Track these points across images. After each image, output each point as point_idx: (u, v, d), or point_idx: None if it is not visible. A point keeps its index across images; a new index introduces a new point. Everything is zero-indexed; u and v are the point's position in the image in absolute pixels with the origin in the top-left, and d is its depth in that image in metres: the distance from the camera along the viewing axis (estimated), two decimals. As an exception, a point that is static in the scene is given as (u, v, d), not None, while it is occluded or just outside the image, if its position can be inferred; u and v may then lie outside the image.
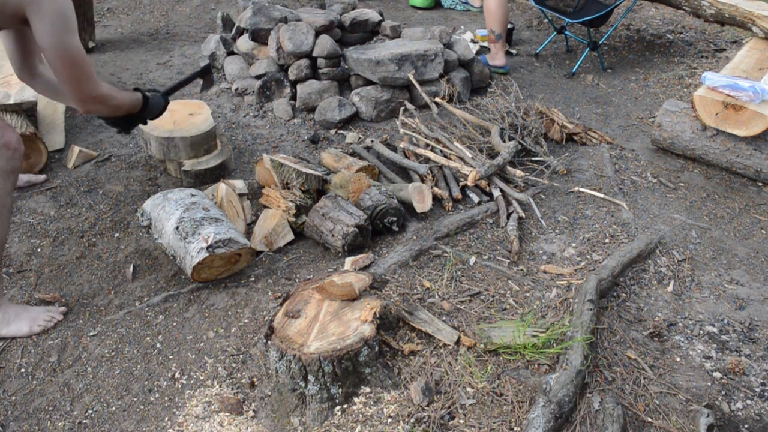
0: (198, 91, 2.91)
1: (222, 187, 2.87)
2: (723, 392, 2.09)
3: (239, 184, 2.96)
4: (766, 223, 3.02)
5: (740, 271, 2.69)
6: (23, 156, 2.25)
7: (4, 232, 2.22)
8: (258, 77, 3.99)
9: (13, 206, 2.31)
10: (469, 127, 3.58)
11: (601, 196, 3.13)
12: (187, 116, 3.19)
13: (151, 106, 2.51)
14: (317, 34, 3.87)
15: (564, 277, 2.58)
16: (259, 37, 4.04)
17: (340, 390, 1.95)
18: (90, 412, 2.05)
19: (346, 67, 3.92)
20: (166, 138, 3.03)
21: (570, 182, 3.28)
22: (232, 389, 2.09)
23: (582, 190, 3.18)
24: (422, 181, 3.11)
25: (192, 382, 2.14)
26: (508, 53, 5.08)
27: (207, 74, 2.94)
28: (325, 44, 3.80)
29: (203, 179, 3.12)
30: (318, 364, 1.89)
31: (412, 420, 1.89)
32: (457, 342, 2.17)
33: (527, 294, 2.49)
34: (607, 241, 2.82)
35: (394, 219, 2.79)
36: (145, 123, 2.58)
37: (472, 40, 5.13)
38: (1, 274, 2.27)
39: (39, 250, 2.72)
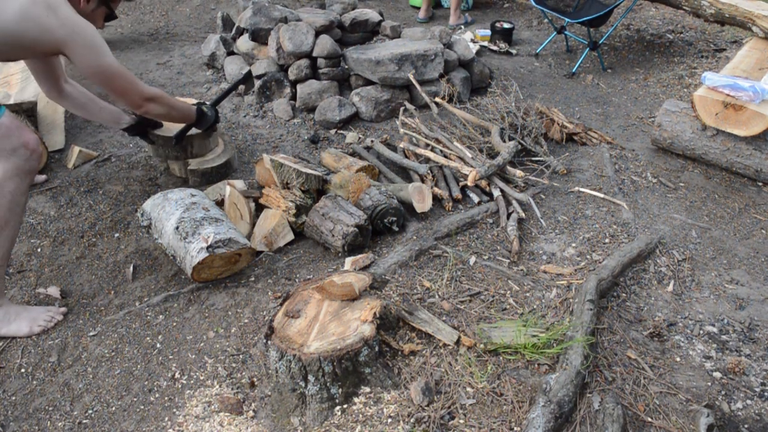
0: (242, 93, 3.23)
1: (227, 189, 2.87)
2: (723, 392, 2.09)
3: (239, 184, 2.96)
4: (766, 223, 3.02)
5: (740, 271, 2.69)
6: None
7: (15, 231, 2.25)
8: (258, 77, 3.99)
9: (26, 207, 2.38)
10: (469, 127, 3.58)
11: (601, 196, 3.13)
12: None
13: (207, 117, 2.85)
14: (317, 34, 3.87)
15: (564, 277, 2.58)
16: (259, 37, 4.04)
17: (340, 390, 1.95)
18: (90, 412, 2.05)
19: (346, 67, 3.92)
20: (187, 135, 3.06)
21: (570, 182, 3.28)
22: (232, 389, 2.09)
23: (582, 190, 3.18)
24: (422, 181, 3.11)
25: (192, 382, 2.14)
26: (507, 53, 5.09)
27: (249, 79, 3.31)
28: (325, 44, 3.80)
29: (209, 178, 3.13)
30: (318, 364, 1.89)
31: (412, 420, 1.89)
32: (457, 342, 2.17)
33: (527, 294, 2.49)
34: (607, 241, 2.82)
35: (394, 219, 2.79)
36: (200, 130, 2.93)
37: (472, 40, 5.13)
38: (3, 273, 2.27)
39: (39, 250, 2.72)
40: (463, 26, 5.67)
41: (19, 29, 2.09)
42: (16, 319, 2.30)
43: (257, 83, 3.90)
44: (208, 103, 2.94)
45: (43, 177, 3.13)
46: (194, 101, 2.95)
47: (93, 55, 2.22)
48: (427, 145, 3.37)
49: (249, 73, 3.28)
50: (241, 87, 3.34)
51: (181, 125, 2.88)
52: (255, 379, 2.12)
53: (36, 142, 2.23)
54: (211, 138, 3.17)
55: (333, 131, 3.75)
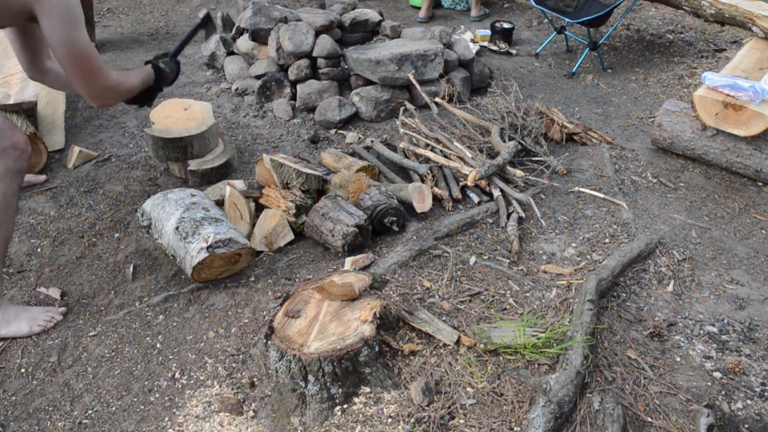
0: (204, 39, 2.87)
1: (227, 189, 2.87)
2: (723, 392, 2.09)
3: (239, 184, 2.96)
4: (766, 223, 3.02)
5: (740, 271, 2.69)
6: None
7: (9, 232, 2.23)
8: (258, 77, 3.99)
9: (18, 208, 2.33)
10: (469, 127, 3.58)
11: (601, 196, 3.13)
12: (183, 111, 3.21)
13: (166, 74, 2.51)
14: (317, 34, 3.87)
15: (564, 277, 2.58)
16: (259, 37, 4.04)
17: (340, 390, 1.95)
18: (90, 412, 2.05)
19: (346, 67, 3.92)
20: (205, 131, 3.09)
21: (570, 182, 3.28)
22: (232, 389, 2.09)
23: (582, 190, 3.18)
24: (422, 181, 3.11)
25: (192, 382, 2.14)
26: (507, 53, 5.08)
27: (209, 23, 2.89)
28: (325, 44, 3.80)
29: (209, 178, 3.13)
30: (318, 364, 1.89)
31: (412, 420, 1.89)
32: (457, 342, 2.17)
33: (527, 294, 2.49)
34: (607, 241, 2.82)
35: (394, 219, 2.79)
36: (161, 90, 2.56)
37: (472, 40, 5.13)
38: (1, 274, 2.27)
39: (39, 250, 2.72)
40: (485, 17, 5.92)
41: None
42: (15, 320, 2.29)
43: (257, 83, 3.90)
44: (167, 51, 2.65)
45: (43, 177, 3.13)
46: (157, 55, 2.62)
47: (66, 23, 1.96)
48: (427, 145, 3.37)
49: (207, 15, 2.87)
50: (202, 32, 2.78)
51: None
52: (255, 379, 2.12)
53: (25, 143, 2.20)
54: (211, 137, 3.17)
55: (333, 131, 3.75)
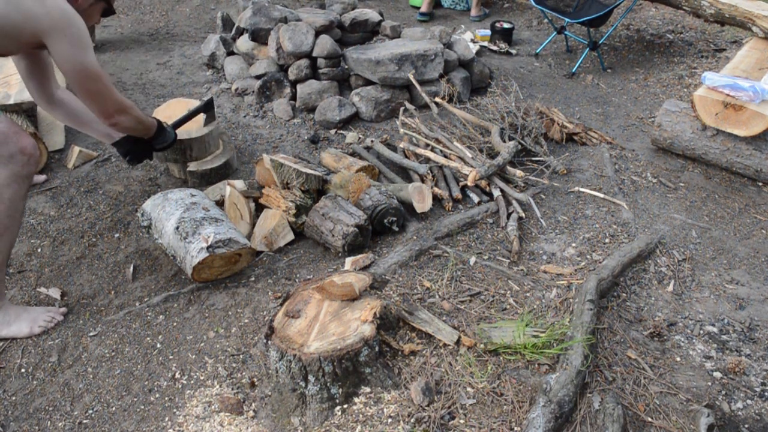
0: (203, 125, 3.07)
1: (227, 189, 2.87)
2: (723, 392, 2.09)
3: (239, 184, 2.96)
4: (766, 223, 3.02)
5: (740, 271, 2.69)
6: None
7: (14, 236, 2.23)
8: (258, 77, 3.99)
9: (25, 211, 2.33)
10: (469, 127, 3.58)
11: (601, 196, 3.13)
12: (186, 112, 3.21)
13: (165, 134, 2.63)
14: (317, 34, 3.87)
15: (564, 277, 2.58)
16: (259, 37, 4.04)
17: (340, 390, 1.95)
18: (90, 412, 2.05)
19: (346, 67, 3.92)
20: (205, 134, 3.10)
21: (570, 182, 3.28)
22: (233, 389, 2.09)
23: (582, 190, 3.18)
24: (422, 181, 3.11)
25: (192, 382, 2.14)
26: (507, 53, 5.09)
27: (210, 109, 3.05)
28: (325, 44, 3.80)
29: (208, 179, 3.12)
30: (318, 364, 1.89)
31: (412, 420, 1.89)
32: (457, 342, 2.17)
33: (527, 294, 2.49)
34: (607, 241, 2.82)
35: (394, 219, 2.79)
36: (151, 156, 2.68)
37: (472, 40, 5.13)
38: (3, 275, 2.27)
39: (39, 250, 2.72)
40: (485, 17, 5.93)
41: (1, 13, 1.98)
42: (16, 320, 2.30)
43: (257, 83, 3.90)
44: (169, 123, 2.77)
45: (43, 177, 3.13)
46: (160, 119, 2.73)
47: (75, 50, 2.06)
48: (427, 145, 3.37)
49: (210, 101, 3.02)
50: (205, 118, 3.00)
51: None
52: (255, 379, 2.12)
53: (33, 147, 2.20)
54: (212, 141, 3.16)
55: (333, 131, 3.75)
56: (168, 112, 3.22)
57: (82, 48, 2.09)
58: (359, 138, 3.64)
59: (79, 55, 2.09)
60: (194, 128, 3.12)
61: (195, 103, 3.29)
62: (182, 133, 3.07)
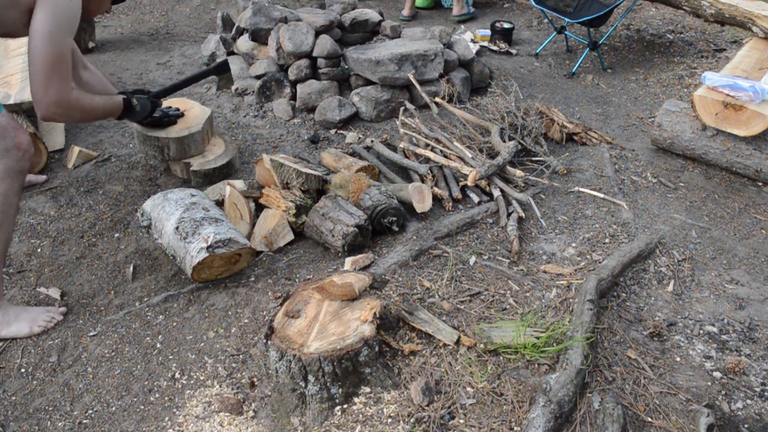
0: (216, 90, 2.91)
1: (227, 189, 2.86)
2: (723, 392, 2.09)
3: (239, 184, 2.96)
4: (766, 223, 3.02)
5: (740, 271, 2.69)
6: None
7: (9, 232, 2.23)
8: (258, 77, 3.99)
9: (19, 207, 2.34)
10: (469, 127, 3.58)
11: (601, 196, 3.13)
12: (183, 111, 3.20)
13: (135, 111, 2.52)
14: (317, 34, 3.87)
15: (564, 277, 2.58)
16: (259, 37, 4.04)
17: (340, 390, 1.95)
18: (90, 412, 2.05)
19: (346, 67, 3.92)
20: (185, 136, 3.07)
21: (570, 182, 3.28)
22: (232, 389, 2.09)
23: (582, 190, 3.18)
24: (422, 181, 3.11)
25: (192, 382, 2.14)
26: (507, 53, 5.08)
27: (223, 71, 2.83)
28: (325, 44, 3.80)
29: (211, 178, 3.12)
30: (318, 364, 1.89)
31: (412, 420, 1.89)
32: (457, 342, 2.17)
33: (527, 294, 2.49)
34: (607, 241, 2.82)
35: (394, 219, 2.79)
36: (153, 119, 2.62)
37: (472, 40, 5.13)
38: (1, 274, 2.27)
39: (39, 250, 2.72)
40: (467, 17, 5.77)
41: None
42: (15, 320, 2.30)
43: (257, 83, 3.90)
44: (145, 92, 2.68)
45: (43, 177, 3.13)
46: (137, 89, 2.67)
47: (57, 23, 1.95)
48: (427, 145, 3.37)
49: (225, 63, 2.82)
50: (217, 83, 2.88)
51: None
52: (255, 379, 2.12)
53: (29, 143, 2.20)
54: (192, 143, 3.10)
55: (333, 131, 3.75)
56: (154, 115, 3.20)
57: (65, 27, 1.98)
58: (359, 138, 3.64)
59: (56, 29, 1.96)
60: (176, 128, 3.08)
61: (193, 106, 3.28)
62: (161, 131, 3.03)
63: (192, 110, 3.26)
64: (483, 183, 3.11)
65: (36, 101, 2.08)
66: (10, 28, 2.08)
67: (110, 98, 2.44)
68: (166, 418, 2.01)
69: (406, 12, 5.77)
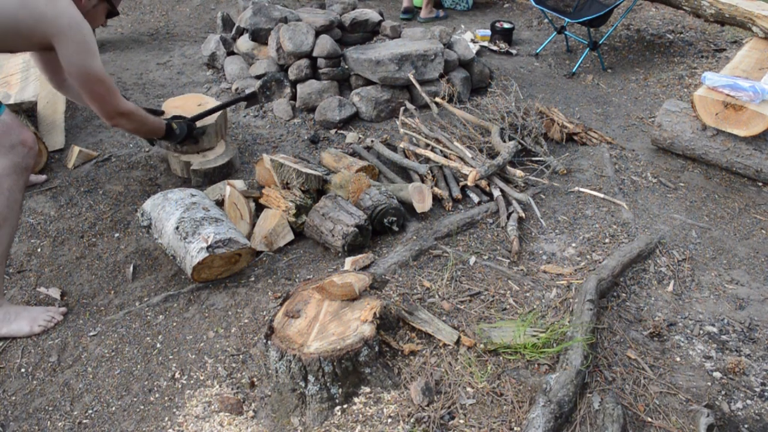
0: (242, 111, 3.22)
1: (227, 189, 2.87)
2: (723, 392, 2.09)
3: (239, 184, 2.96)
4: (766, 223, 3.02)
5: (740, 271, 2.69)
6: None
7: (13, 228, 2.25)
8: (258, 77, 3.99)
9: (23, 204, 2.38)
10: (469, 127, 3.58)
11: (601, 196, 3.13)
12: (196, 107, 3.21)
13: (176, 133, 2.85)
14: (317, 34, 3.87)
15: (564, 277, 2.58)
16: (259, 37, 4.04)
17: (340, 390, 1.95)
18: (90, 412, 2.05)
19: (346, 67, 3.92)
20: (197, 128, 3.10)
21: (570, 182, 3.28)
22: (232, 389, 2.09)
23: (582, 190, 3.18)
24: (422, 181, 3.11)
25: (192, 382, 2.14)
26: (507, 53, 5.08)
27: (252, 100, 3.31)
28: (325, 44, 3.80)
29: (211, 177, 3.13)
30: (318, 364, 1.89)
31: (412, 420, 1.89)
32: (457, 342, 2.17)
33: (527, 294, 2.49)
34: (607, 241, 2.82)
35: (394, 219, 2.79)
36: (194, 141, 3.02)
37: (472, 40, 5.13)
38: (3, 272, 2.28)
39: (39, 250, 2.72)
40: (435, 21, 5.73)
41: (16, 17, 2.09)
42: (16, 320, 2.30)
43: (257, 83, 3.90)
44: (186, 117, 2.98)
45: (43, 177, 3.13)
46: (177, 116, 2.97)
47: (82, 54, 2.18)
48: (427, 145, 3.37)
49: (254, 93, 3.21)
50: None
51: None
52: (255, 379, 2.12)
53: (33, 140, 2.25)
54: (206, 137, 3.15)
55: (333, 131, 3.75)
56: (178, 102, 3.25)
57: (88, 53, 2.19)
58: (359, 138, 3.64)
59: (84, 60, 2.19)
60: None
61: (208, 102, 3.29)
62: (193, 147, 3.14)
63: (207, 105, 3.27)
64: (483, 183, 3.11)
65: (102, 117, 2.41)
66: (11, 48, 2.27)
67: (158, 120, 2.73)
68: (166, 418, 2.01)
69: (406, 2, 5.80)
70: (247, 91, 3.15)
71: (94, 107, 2.36)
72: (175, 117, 2.94)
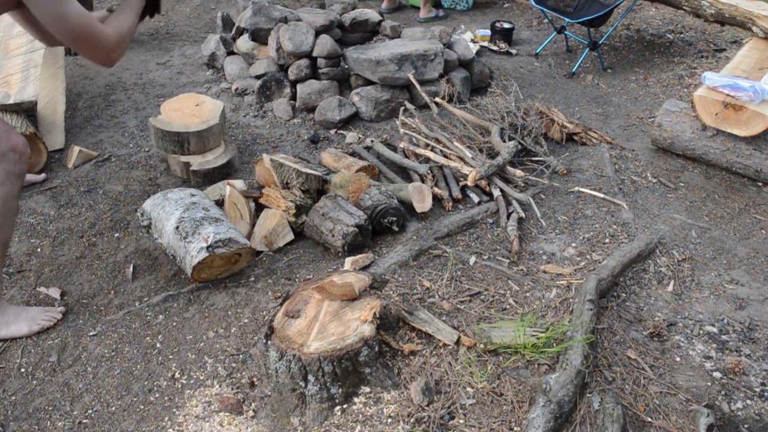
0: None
1: (227, 188, 2.87)
2: (723, 392, 2.09)
3: (239, 184, 2.96)
4: (766, 223, 3.02)
5: (740, 271, 2.69)
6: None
7: (8, 234, 2.23)
8: (258, 77, 3.99)
9: (18, 209, 2.34)
10: (469, 127, 3.58)
11: (601, 196, 3.13)
12: (194, 107, 3.21)
13: None
14: (317, 34, 3.87)
15: (564, 277, 2.58)
16: (259, 37, 4.04)
17: (340, 390, 1.95)
18: (90, 412, 2.05)
19: (346, 67, 3.92)
20: (204, 130, 3.10)
21: (570, 182, 3.28)
22: (232, 389, 2.09)
23: (582, 190, 3.18)
24: (422, 181, 3.11)
25: (192, 382, 2.14)
26: (507, 53, 5.08)
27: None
28: (325, 44, 3.80)
29: (211, 178, 3.13)
30: (318, 364, 1.89)
31: (412, 420, 1.89)
32: (457, 342, 2.17)
33: (527, 294, 2.49)
34: (607, 241, 2.82)
35: (394, 219, 2.79)
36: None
37: (472, 40, 5.13)
38: (1, 275, 2.27)
39: (39, 250, 2.72)
40: (435, 20, 5.72)
41: None
42: (15, 321, 2.29)
43: (257, 83, 3.90)
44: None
45: (42, 176, 3.13)
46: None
47: (52, 3, 1.90)
48: (427, 145, 3.37)
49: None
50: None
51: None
52: (255, 379, 2.12)
53: (24, 145, 2.19)
54: (211, 137, 3.16)
55: (333, 131, 3.75)
56: (176, 104, 3.25)
57: (61, 3, 1.91)
58: (359, 138, 3.64)
59: (57, 8, 1.92)
60: (195, 123, 3.12)
61: (205, 100, 3.29)
62: (182, 126, 3.08)
63: (205, 104, 3.27)
64: (483, 183, 3.11)
65: (97, 63, 2.12)
66: None
67: (130, 8, 2.31)
68: (166, 418, 2.01)
69: (385, 4, 5.82)
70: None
71: (84, 56, 2.09)
72: None
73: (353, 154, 3.44)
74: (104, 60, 2.11)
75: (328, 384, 1.93)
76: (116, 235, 2.83)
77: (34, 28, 2.32)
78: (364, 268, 2.54)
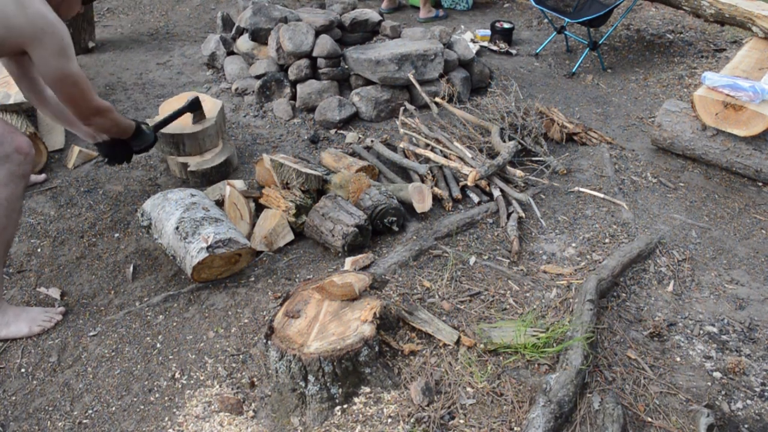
0: (192, 123, 3.11)
1: (227, 189, 2.86)
2: (723, 392, 2.09)
3: (239, 184, 2.96)
4: (766, 223, 3.02)
5: (740, 271, 2.69)
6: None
7: (11, 235, 2.23)
8: (258, 77, 3.99)
9: (22, 210, 2.34)
10: (469, 127, 3.58)
11: (601, 196, 3.13)
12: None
13: (143, 136, 2.64)
14: (317, 34, 3.87)
15: (564, 277, 2.58)
16: (259, 37, 4.04)
17: (340, 390, 1.95)
18: (90, 412, 2.05)
19: (346, 67, 3.92)
20: (199, 131, 3.10)
21: (570, 182, 3.28)
22: (232, 389, 2.09)
23: (582, 190, 3.18)
24: (422, 181, 3.11)
25: (192, 382, 2.14)
26: (507, 53, 5.08)
27: (195, 108, 3.09)
28: (325, 44, 3.80)
29: (209, 177, 3.13)
30: (318, 364, 1.89)
31: (412, 420, 1.89)
32: (457, 342, 2.17)
33: (527, 294, 2.49)
34: (607, 241, 2.82)
35: (394, 219, 2.79)
36: (130, 158, 2.70)
37: (472, 40, 5.13)
38: (2, 275, 2.27)
39: (39, 250, 2.72)
40: (435, 20, 5.71)
41: None
42: (15, 321, 2.29)
43: (257, 83, 3.90)
44: (149, 123, 2.80)
45: (42, 176, 3.13)
46: (142, 121, 2.77)
47: (55, 58, 2.06)
48: (427, 145, 3.37)
49: (196, 100, 3.06)
50: (193, 117, 3.07)
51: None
52: (255, 379, 2.12)
53: (29, 146, 2.20)
54: (206, 138, 3.15)
55: (333, 131, 3.75)
56: (174, 104, 3.22)
57: (63, 56, 2.08)
58: (359, 138, 3.64)
59: (58, 63, 2.08)
60: (191, 124, 3.11)
61: (204, 99, 3.29)
62: (177, 128, 3.06)
63: (204, 103, 3.26)
64: (483, 183, 3.11)
65: (78, 116, 2.31)
66: None
67: (128, 119, 2.58)
68: (166, 418, 2.01)
69: (384, 4, 5.80)
70: (189, 99, 3.04)
71: (69, 108, 2.28)
72: (142, 121, 2.75)
73: (353, 154, 3.44)
74: (83, 114, 2.29)
75: (328, 384, 1.93)
76: (116, 235, 2.83)
77: (22, 78, 2.43)
78: (364, 268, 2.54)
